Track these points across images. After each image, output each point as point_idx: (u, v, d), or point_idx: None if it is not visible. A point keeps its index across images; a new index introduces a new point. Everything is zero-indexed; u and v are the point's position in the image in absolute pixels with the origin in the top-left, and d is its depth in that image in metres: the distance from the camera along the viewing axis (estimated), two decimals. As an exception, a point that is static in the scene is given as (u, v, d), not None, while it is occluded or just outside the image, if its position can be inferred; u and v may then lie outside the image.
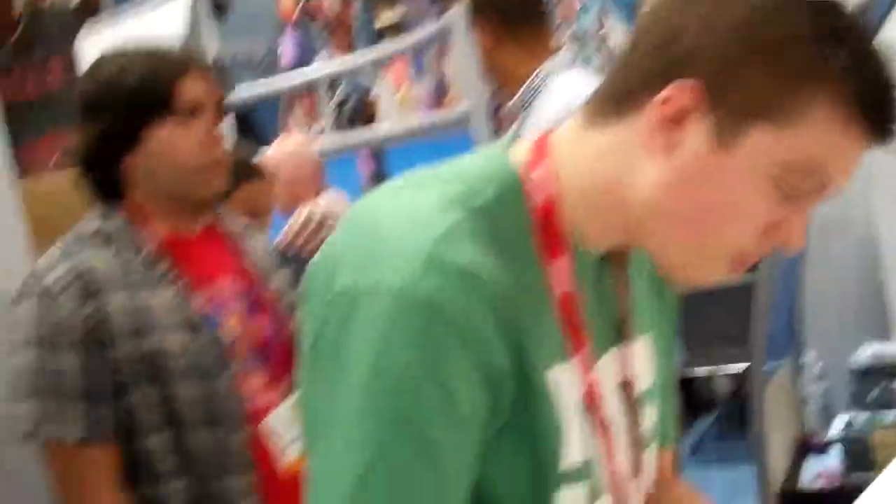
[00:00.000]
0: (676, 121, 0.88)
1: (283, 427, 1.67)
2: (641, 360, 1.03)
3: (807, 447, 3.35)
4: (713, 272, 0.94)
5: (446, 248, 0.86)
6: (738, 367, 3.34)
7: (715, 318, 3.64)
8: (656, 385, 1.06)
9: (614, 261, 1.00)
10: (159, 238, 1.66)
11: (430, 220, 0.88)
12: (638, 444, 1.01)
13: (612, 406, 0.98)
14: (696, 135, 0.88)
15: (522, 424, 0.90)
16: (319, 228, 2.77)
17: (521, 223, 0.93)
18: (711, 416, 4.38)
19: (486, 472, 0.90)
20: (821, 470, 3.17)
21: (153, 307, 1.60)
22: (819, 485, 3.11)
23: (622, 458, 0.98)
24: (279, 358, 1.72)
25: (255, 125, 4.58)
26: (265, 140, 3.55)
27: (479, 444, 0.88)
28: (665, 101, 0.88)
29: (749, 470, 2.92)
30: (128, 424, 1.58)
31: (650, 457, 1.04)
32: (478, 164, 0.96)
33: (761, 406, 2.83)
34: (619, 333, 1.00)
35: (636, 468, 1.01)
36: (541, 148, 0.95)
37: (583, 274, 0.95)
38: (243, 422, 1.63)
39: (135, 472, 1.59)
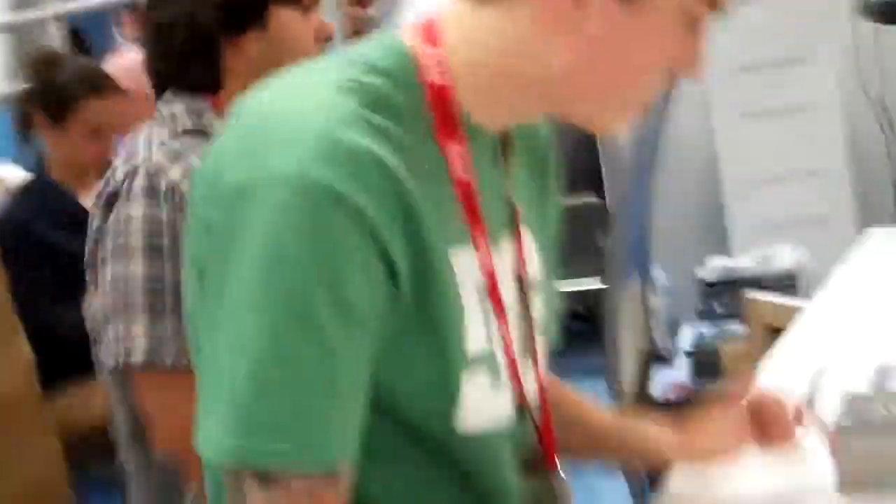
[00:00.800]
0: None
1: None
2: (530, 250, 1.03)
3: (656, 359, 3.44)
4: (627, 119, 0.97)
5: (342, 133, 0.83)
6: (590, 281, 3.37)
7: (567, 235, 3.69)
8: (544, 278, 1.06)
9: (503, 149, 1.00)
10: None
11: (324, 106, 0.84)
12: (531, 332, 1.01)
13: (509, 293, 0.97)
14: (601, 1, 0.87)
15: (426, 309, 0.88)
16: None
17: (417, 106, 0.90)
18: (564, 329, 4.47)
19: (389, 367, 0.87)
20: (670, 381, 3.26)
21: None
22: (670, 395, 3.20)
23: (518, 345, 0.98)
24: None
25: (87, 40, 4.35)
26: (97, 55, 3.37)
27: (377, 339, 0.85)
28: None
29: (601, 383, 2.98)
30: None
31: (542, 345, 1.04)
32: (371, 49, 0.93)
33: (615, 321, 2.87)
34: (511, 220, 1.00)
35: (531, 355, 1.01)
36: (430, 30, 0.93)
37: (478, 157, 0.94)
38: None
39: None
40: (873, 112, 3.00)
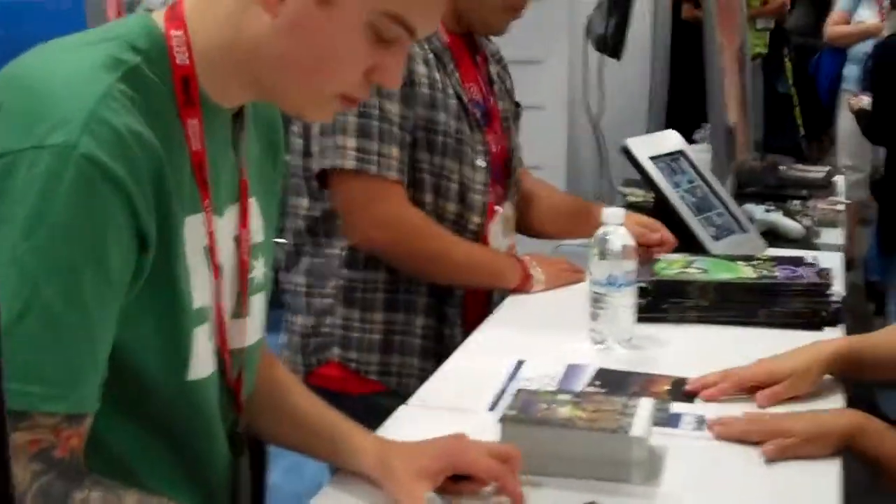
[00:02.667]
0: None
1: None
2: (255, 216, 1.15)
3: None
4: (327, 110, 1.09)
5: (106, 108, 0.92)
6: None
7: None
8: (267, 243, 1.19)
9: (238, 123, 1.11)
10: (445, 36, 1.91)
11: (90, 80, 0.93)
12: (245, 291, 1.14)
13: (226, 255, 1.10)
14: None
15: (163, 272, 0.99)
16: None
17: (166, 83, 1.00)
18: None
19: (131, 326, 0.98)
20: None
21: (444, 87, 1.86)
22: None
23: (227, 302, 1.11)
24: (497, 169, 2.00)
25: None
26: None
27: (121, 305, 0.96)
28: None
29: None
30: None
31: (259, 302, 1.18)
32: (128, 28, 1.02)
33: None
34: (239, 189, 1.12)
35: (243, 311, 1.14)
36: (176, 13, 1.03)
37: (214, 131, 1.05)
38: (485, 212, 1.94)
39: None
40: (587, 115, 3.27)
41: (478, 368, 1.69)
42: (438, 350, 1.91)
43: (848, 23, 5.41)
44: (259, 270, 1.17)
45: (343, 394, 1.84)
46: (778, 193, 3.24)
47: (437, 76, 1.86)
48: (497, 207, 1.99)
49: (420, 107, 1.84)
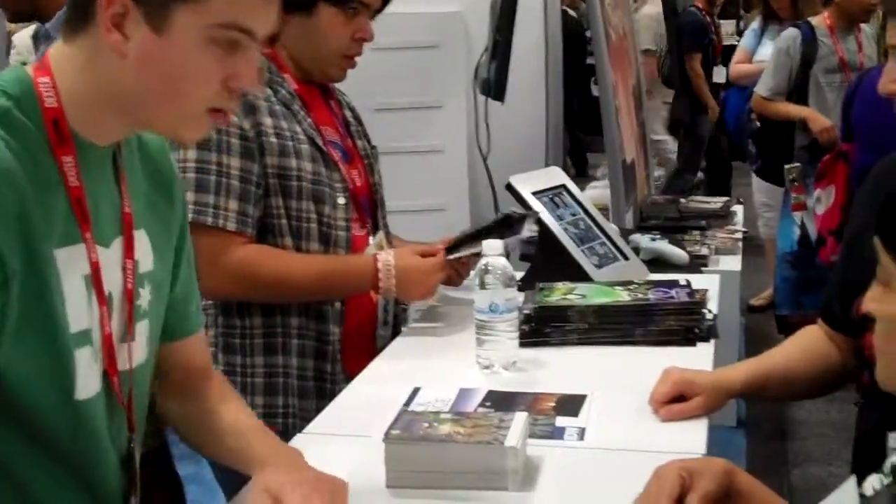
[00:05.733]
0: (118, 21, 1.10)
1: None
2: (142, 247, 1.25)
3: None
4: (199, 127, 1.19)
5: None
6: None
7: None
8: (157, 272, 1.28)
9: (115, 162, 1.22)
10: (293, 85, 2.01)
11: None
12: (131, 316, 1.23)
13: (114, 283, 1.20)
14: (137, 29, 1.10)
15: (36, 299, 1.09)
16: None
17: (38, 125, 1.11)
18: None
19: (12, 354, 1.08)
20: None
21: (295, 134, 1.95)
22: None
23: (115, 326, 1.20)
24: (364, 203, 2.08)
25: None
26: None
27: None
28: (106, 6, 1.09)
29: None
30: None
31: (143, 329, 1.27)
32: (3, 78, 1.13)
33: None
34: (122, 221, 1.22)
35: (129, 335, 1.24)
36: (44, 63, 1.14)
37: (90, 167, 1.15)
38: (349, 247, 2.00)
39: None
40: (481, 157, 3.42)
41: (375, 397, 1.78)
42: (322, 389, 1.99)
43: (750, 61, 5.64)
44: (145, 298, 1.27)
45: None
46: (678, 225, 3.42)
47: (285, 124, 1.95)
48: (370, 239, 2.08)
49: (270, 156, 1.92)
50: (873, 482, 1.16)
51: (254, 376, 1.98)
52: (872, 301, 1.03)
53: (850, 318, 1.65)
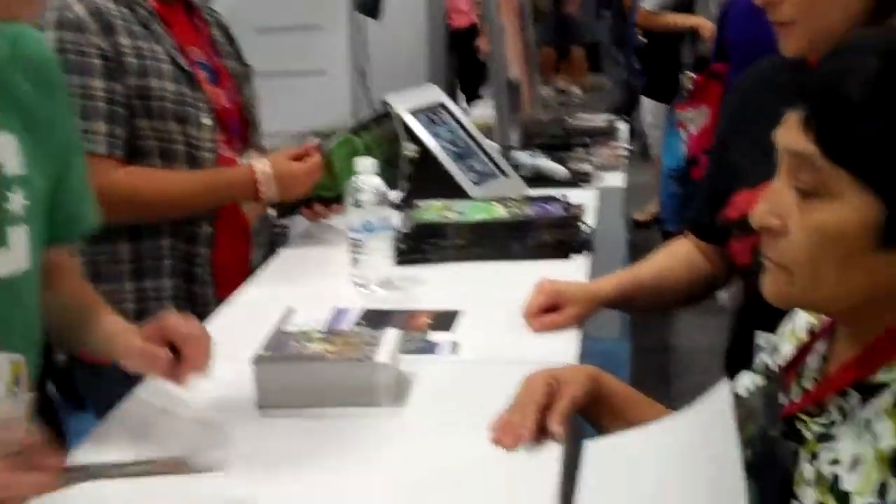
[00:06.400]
0: None
1: None
2: (9, 150, 1.22)
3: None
4: (33, 5, 1.18)
5: None
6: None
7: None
8: (31, 177, 1.24)
9: None
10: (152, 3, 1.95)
11: None
12: (2, 221, 1.20)
13: None
14: None
15: None
16: None
17: None
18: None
19: None
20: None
21: (155, 53, 1.90)
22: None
23: None
24: (233, 124, 2.04)
25: None
26: None
27: None
28: None
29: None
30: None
31: (20, 235, 1.24)
32: None
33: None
34: None
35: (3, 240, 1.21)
36: None
37: None
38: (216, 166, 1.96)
39: None
40: (359, 79, 3.37)
41: (247, 319, 1.76)
42: (194, 313, 1.96)
43: None
44: (17, 203, 1.23)
45: (107, 365, 1.89)
46: (563, 143, 3.43)
47: (144, 44, 1.90)
48: (238, 160, 2.04)
49: (131, 77, 1.87)
50: (745, 382, 1.18)
51: (123, 302, 1.94)
52: (772, 215, 0.99)
53: (716, 227, 1.69)
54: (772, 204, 0.99)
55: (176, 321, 1.34)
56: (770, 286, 1.02)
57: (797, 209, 0.97)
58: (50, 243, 1.33)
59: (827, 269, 0.96)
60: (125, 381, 1.44)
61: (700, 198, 1.79)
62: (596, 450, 1.17)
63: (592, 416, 1.34)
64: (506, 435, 1.28)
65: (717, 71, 3.74)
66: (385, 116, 2.08)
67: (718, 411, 1.02)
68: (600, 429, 1.34)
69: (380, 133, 2.06)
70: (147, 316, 1.93)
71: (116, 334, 1.37)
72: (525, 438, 1.26)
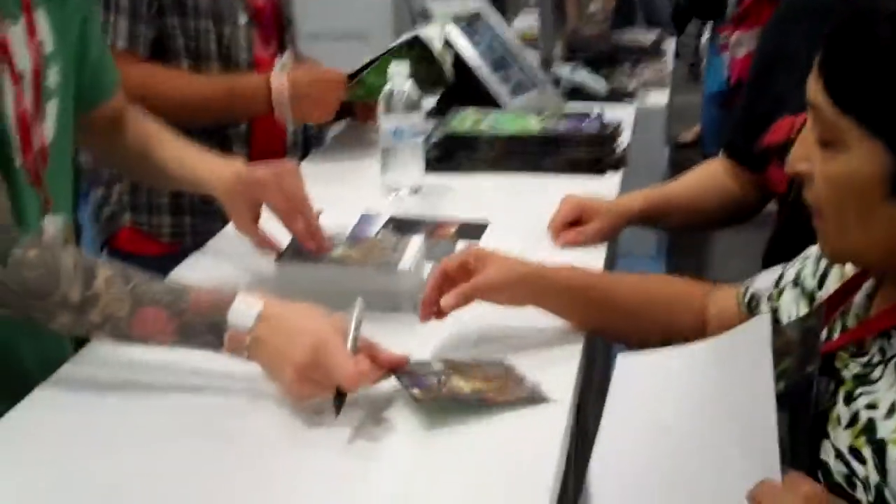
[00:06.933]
0: None
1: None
2: (42, 27, 1.25)
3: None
4: None
5: None
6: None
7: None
8: (59, 52, 1.28)
9: None
10: None
11: None
12: (39, 97, 1.25)
13: (23, 62, 1.21)
14: None
15: None
16: None
17: None
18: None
19: None
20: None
21: None
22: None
23: (28, 105, 1.23)
24: (270, 22, 2.00)
25: None
26: None
27: None
28: None
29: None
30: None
31: (52, 108, 1.29)
32: None
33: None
34: (22, 2, 1.21)
35: (41, 115, 1.26)
36: None
37: None
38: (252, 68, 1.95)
39: None
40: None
41: (274, 219, 1.76)
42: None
43: None
44: (53, 79, 1.27)
45: (141, 256, 1.91)
46: (609, 58, 3.37)
47: None
48: (276, 60, 2.01)
49: None
50: (787, 298, 1.19)
51: (160, 196, 1.95)
52: (803, 161, 0.98)
53: (753, 152, 1.66)
54: (802, 148, 0.98)
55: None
56: (828, 240, 1.00)
57: (819, 157, 0.95)
58: (79, 109, 1.37)
59: (849, 218, 0.94)
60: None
61: (737, 120, 1.76)
62: (628, 365, 1.17)
63: (596, 326, 1.34)
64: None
65: None
66: (415, 41, 2.03)
67: (756, 341, 1.01)
68: (620, 339, 1.35)
69: (414, 55, 2.02)
70: (182, 210, 1.95)
71: (196, 161, 1.50)
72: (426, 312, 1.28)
